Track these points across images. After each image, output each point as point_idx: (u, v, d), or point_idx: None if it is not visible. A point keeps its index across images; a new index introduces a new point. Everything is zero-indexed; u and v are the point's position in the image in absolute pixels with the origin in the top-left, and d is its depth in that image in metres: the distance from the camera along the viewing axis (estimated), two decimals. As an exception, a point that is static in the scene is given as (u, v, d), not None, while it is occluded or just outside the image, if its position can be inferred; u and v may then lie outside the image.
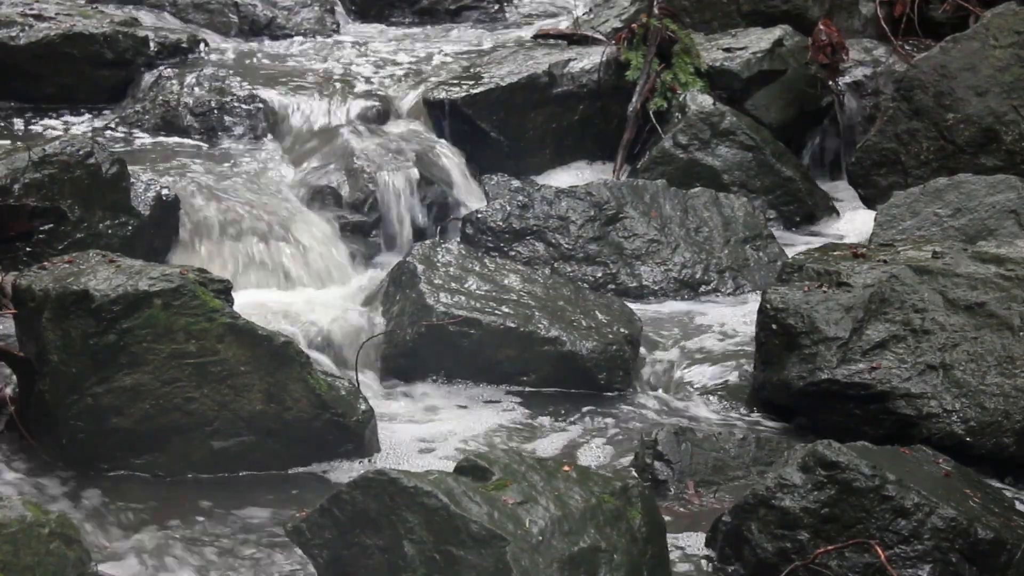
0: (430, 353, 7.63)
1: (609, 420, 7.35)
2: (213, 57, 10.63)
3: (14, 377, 6.84)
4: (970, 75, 9.80)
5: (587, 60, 10.31)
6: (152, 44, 10.35)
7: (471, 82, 10.09)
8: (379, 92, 10.02)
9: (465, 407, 7.43)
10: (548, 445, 7.05)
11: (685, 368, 7.78)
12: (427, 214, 9.29)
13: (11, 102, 9.86)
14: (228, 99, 9.81)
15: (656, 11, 10.44)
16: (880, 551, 5.61)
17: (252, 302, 8.05)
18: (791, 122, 10.48)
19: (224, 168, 9.22)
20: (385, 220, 9.15)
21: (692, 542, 6.14)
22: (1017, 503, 6.39)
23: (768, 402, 7.36)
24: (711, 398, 7.55)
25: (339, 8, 11.98)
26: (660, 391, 7.67)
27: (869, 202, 9.92)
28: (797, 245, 9.30)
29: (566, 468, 5.75)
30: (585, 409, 7.44)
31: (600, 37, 10.75)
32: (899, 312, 7.13)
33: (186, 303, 6.54)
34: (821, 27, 10.44)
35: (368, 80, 10.25)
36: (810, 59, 10.44)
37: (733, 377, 7.68)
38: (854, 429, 6.85)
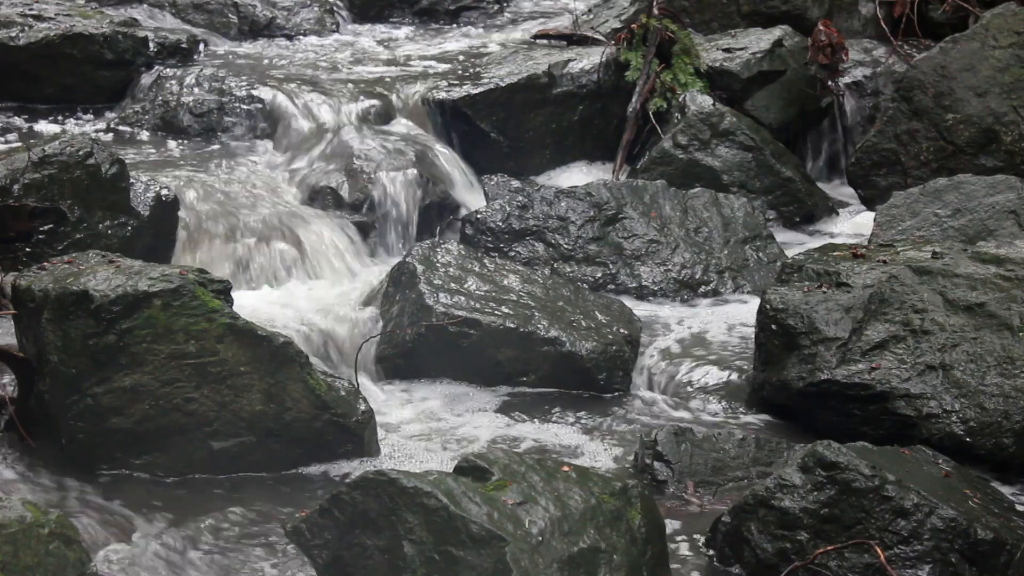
0: (430, 353, 7.63)
1: (609, 420, 7.35)
2: (213, 57, 10.63)
3: (14, 377, 6.83)
4: (970, 75, 9.81)
5: (587, 60, 10.31)
6: (152, 44, 10.35)
7: (471, 82, 10.09)
8: (379, 92, 10.01)
9: (465, 407, 7.43)
10: (548, 445, 7.05)
11: (685, 368, 7.78)
12: (427, 214, 9.28)
13: (11, 102, 9.86)
14: (228, 99, 9.81)
15: (656, 11, 10.45)
16: (880, 551, 5.61)
17: (252, 302, 8.06)
18: (791, 122, 10.48)
19: (224, 168, 9.22)
20: (384, 220, 9.15)
21: (692, 542, 6.13)
22: (1017, 503, 6.39)
23: (768, 402, 7.36)
24: (711, 398, 7.54)
25: (339, 8, 11.98)
26: (660, 391, 7.67)
27: (869, 202, 9.93)
28: (797, 245, 9.30)
29: (566, 468, 5.75)
30: (585, 409, 7.45)
31: (600, 37, 10.75)
32: (899, 312, 7.13)
33: (186, 303, 6.54)
34: (821, 27, 10.43)
35: (368, 80, 10.25)
36: (810, 59, 10.43)
37: (733, 377, 7.68)
38: (854, 429, 6.86)
